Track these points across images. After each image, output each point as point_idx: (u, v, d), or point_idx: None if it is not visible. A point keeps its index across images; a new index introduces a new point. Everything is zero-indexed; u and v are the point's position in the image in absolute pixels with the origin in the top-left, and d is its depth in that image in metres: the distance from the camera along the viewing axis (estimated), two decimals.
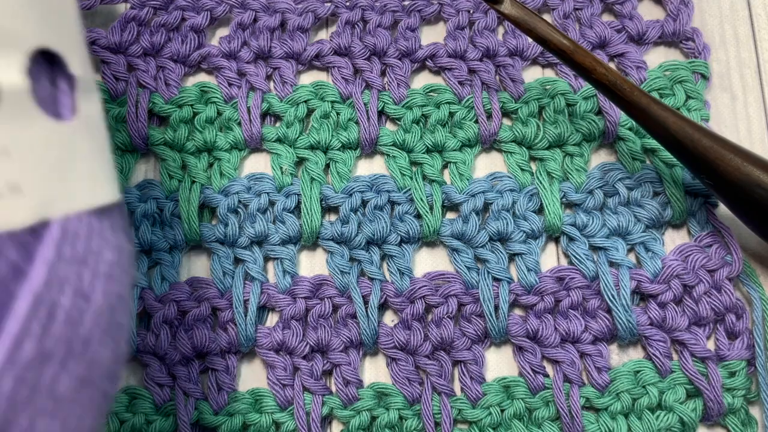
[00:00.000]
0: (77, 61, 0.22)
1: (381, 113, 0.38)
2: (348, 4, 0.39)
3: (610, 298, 0.35)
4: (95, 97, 0.22)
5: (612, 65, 0.39)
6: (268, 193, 0.37)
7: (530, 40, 0.39)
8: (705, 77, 0.38)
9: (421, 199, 0.36)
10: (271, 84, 0.39)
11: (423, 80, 0.39)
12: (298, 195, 0.36)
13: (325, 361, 0.35)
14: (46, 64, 0.21)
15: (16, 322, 0.17)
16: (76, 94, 0.21)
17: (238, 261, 0.36)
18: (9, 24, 0.19)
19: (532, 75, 0.39)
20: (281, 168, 0.37)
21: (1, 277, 0.17)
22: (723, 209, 0.37)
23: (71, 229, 0.20)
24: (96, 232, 0.21)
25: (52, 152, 0.19)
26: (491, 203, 0.37)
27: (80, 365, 0.19)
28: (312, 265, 0.37)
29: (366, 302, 0.35)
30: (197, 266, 0.37)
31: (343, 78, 0.38)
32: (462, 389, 0.35)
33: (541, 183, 0.37)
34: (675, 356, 0.35)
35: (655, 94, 0.38)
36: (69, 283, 0.19)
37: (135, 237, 0.36)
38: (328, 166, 0.38)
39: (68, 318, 0.19)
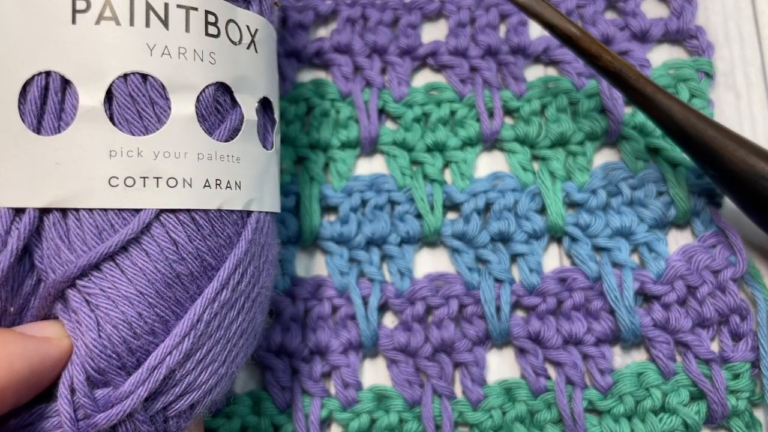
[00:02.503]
0: (277, 109, 0.30)
1: (381, 112, 0.38)
2: (348, 1, 0.39)
3: (613, 300, 0.34)
4: (279, 136, 0.31)
5: None
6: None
7: (533, 38, 0.38)
8: (709, 75, 0.38)
9: (422, 199, 0.36)
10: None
11: (424, 78, 0.39)
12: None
13: (324, 363, 0.34)
14: (263, 109, 0.29)
15: (222, 274, 0.25)
16: (273, 132, 0.30)
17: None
18: (254, 77, 0.28)
19: (535, 73, 0.39)
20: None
21: (221, 240, 0.26)
22: (727, 209, 0.36)
23: (260, 223, 0.28)
24: (271, 231, 0.29)
25: (259, 169, 0.28)
26: (493, 203, 0.36)
27: (245, 318, 0.27)
28: (309, 265, 0.36)
29: (366, 303, 0.35)
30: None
31: (343, 76, 0.38)
32: (463, 391, 0.35)
33: (543, 182, 0.36)
34: (678, 358, 0.35)
35: None
36: (254, 259, 0.27)
37: None
38: (327, 165, 0.37)
39: (249, 282, 0.27)
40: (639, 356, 0.35)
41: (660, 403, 0.34)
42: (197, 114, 0.25)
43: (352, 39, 0.38)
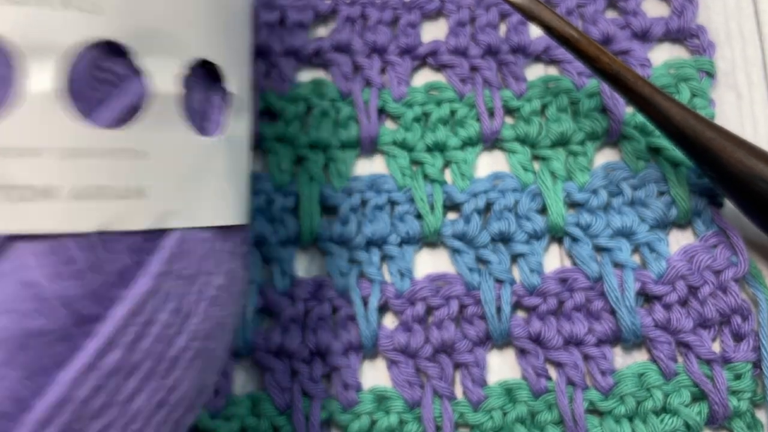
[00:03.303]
0: (236, 78, 0.22)
1: (381, 111, 0.38)
2: (348, 0, 0.39)
3: (614, 300, 0.34)
4: (245, 117, 0.22)
5: None
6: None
7: (533, 37, 0.38)
8: (710, 75, 0.38)
9: (422, 199, 0.36)
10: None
11: (424, 78, 0.39)
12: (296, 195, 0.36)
13: (324, 364, 0.34)
14: (204, 77, 0.21)
15: (109, 327, 0.17)
16: (227, 111, 0.21)
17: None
18: (171, 29, 0.19)
19: (535, 72, 0.38)
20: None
21: (107, 278, 0.18)
22: (728, 209, 0.36)
23: (187, 244, 0.19)
24: (211, 253, 0.21)
25: (187, 164, 0.20)
26: (493, 203, 0.36)
27: (161, 386, 0.19)
28: (309, 265, 0.36)
29: (365, 304, 0.35)
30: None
31: (342, 76, 0.38)
32: (463, 392, 0.34)
33: (543, 182, 0.36)
34: (680, 359, 0.35)
35: None
36: (171, 299, 0.19)
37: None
38: (327, 165, 0.37)
39: (161, 335, 0.19)
40: (640, 357, 0.35)
41: (661, 403, 0.34)
42: (66, 89, 0.17)
43: (352, 38, 0.38)
